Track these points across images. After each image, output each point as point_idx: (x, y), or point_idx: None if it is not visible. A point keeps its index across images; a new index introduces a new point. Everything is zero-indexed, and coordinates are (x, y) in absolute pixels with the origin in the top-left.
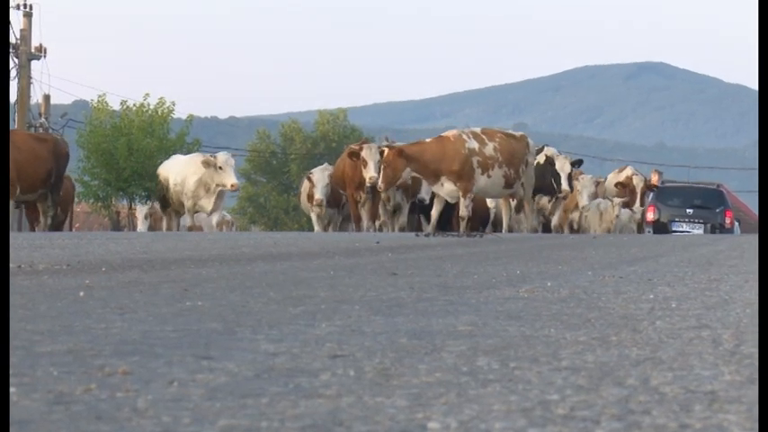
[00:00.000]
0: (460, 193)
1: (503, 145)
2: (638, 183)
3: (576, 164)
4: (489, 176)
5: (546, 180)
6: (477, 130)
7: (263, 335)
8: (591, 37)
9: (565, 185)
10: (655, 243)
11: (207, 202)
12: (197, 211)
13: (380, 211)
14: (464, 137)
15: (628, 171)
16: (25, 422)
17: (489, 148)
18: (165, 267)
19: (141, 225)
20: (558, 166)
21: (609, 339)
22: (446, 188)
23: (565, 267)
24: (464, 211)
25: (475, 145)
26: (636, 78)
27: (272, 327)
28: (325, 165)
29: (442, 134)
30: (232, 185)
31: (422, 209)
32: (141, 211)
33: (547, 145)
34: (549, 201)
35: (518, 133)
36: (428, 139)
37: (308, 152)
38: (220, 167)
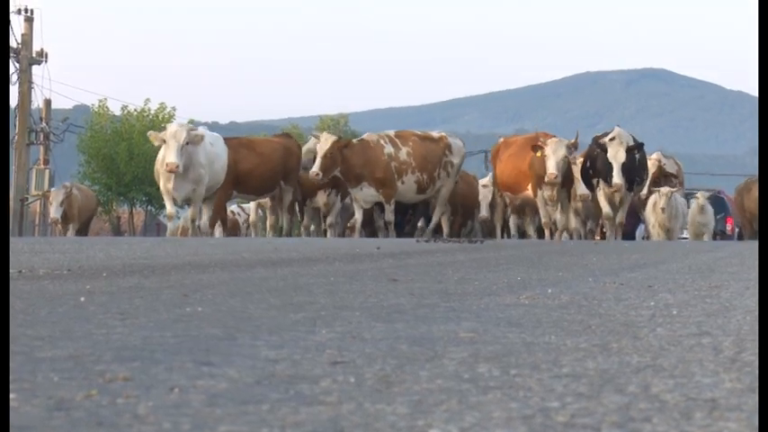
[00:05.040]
0: (383, 199)
1: (416, 149)
2: (649, 168)
3: (636, 149)
4: (403, 182)
5: (603, 168)
6: (392, 133)
7: (263, 341)
8: (592, 43)
9: (616, 178)
10: (655, 249)
11: (170, 188)
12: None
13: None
14: (382, 142)
15: (654, 156)
16: (26, 428)
17: (403, 153)
18: (165, 273)
19: (54, 211)
20: (610, 155)
21: (610, 346)
22: (364, 192)
23: (565, 274)
24: (389, 215)
25: (392, 150)
26: (636, 84)
27: (272, 333)
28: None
29: (364, 137)
30: (167, 165)
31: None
32: (57, 195)
33: (618, 125)
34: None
35: (437, 134)
36: (354, 141)
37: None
38: (164, 141)
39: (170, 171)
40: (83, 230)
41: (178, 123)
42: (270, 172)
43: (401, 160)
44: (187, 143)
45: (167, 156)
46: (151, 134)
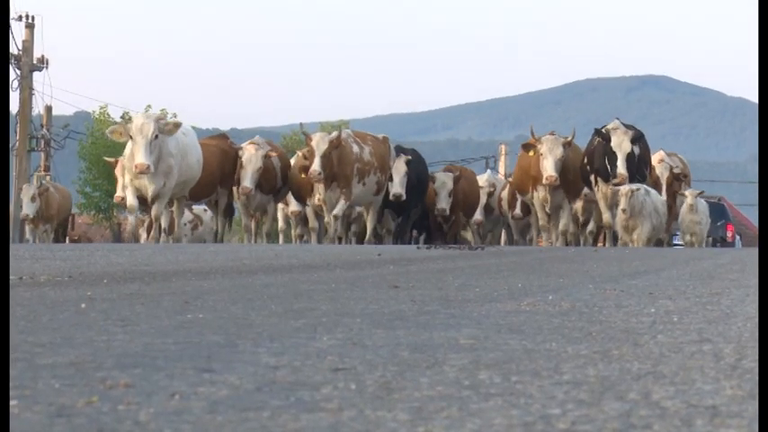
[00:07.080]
0: (342, 198)
1: (375, 150)
2: (662, 171)
3: (637, 140)
4: (364, 184)
5: (602, 162)
6: (351, 132)
7: (264, 348)
8: (593, 50)
9: (621, 168)
10: (656, 257)
11: (142, 182)
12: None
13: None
14: (350, 140)
15: (657, 156)
16: None
17: (366, 153)
18: (166, 279)
19: (26, 207)
20: (614, 144)
21: (610, 353)
22: (331, 194)
23: (566, 281)
24: (339, 210)
25: (357, 150)
26: (637, 91)
27: (273, 340)
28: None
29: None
30: (137, 166)
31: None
32: (28, 191)
33: (618, 117)
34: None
35: (380, 135)
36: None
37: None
38: (131, 137)
39: (141, 173)
40: (61, 231)
41: (144, 114)
42: (208, 177)
43: (365, 161)
44: (156, 136)
45: (136, 155)
46: (113, 130)
